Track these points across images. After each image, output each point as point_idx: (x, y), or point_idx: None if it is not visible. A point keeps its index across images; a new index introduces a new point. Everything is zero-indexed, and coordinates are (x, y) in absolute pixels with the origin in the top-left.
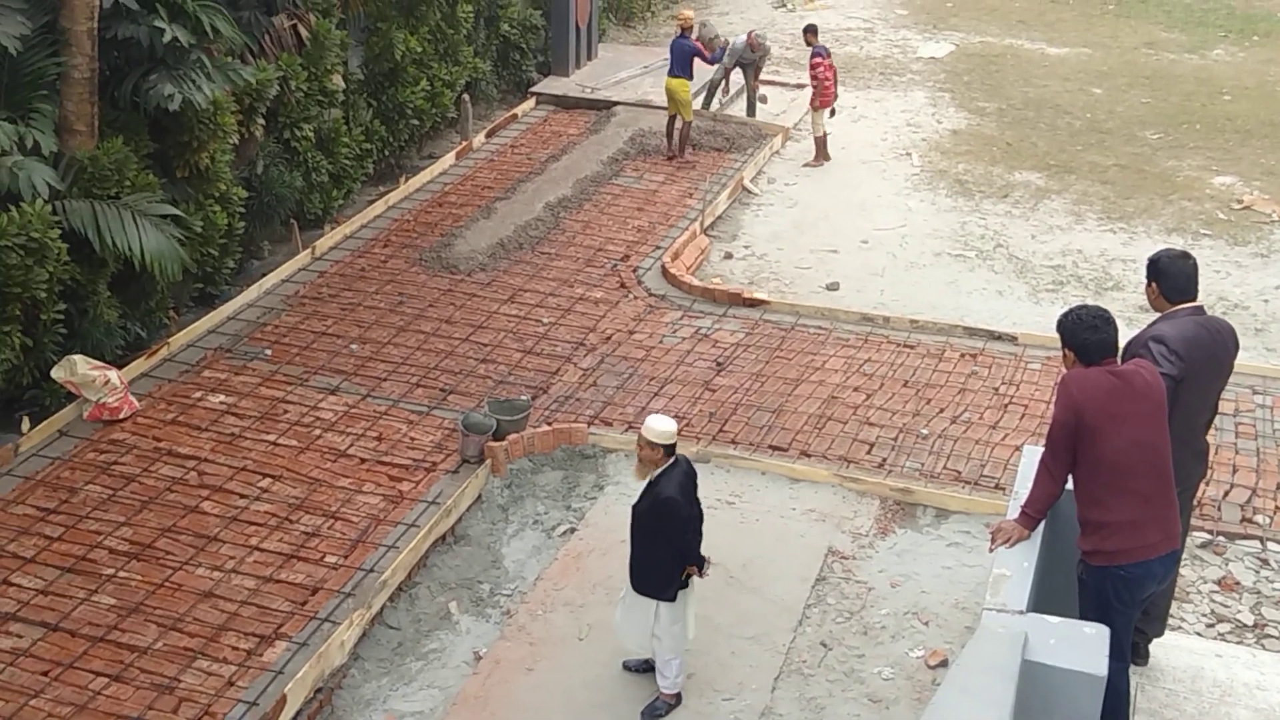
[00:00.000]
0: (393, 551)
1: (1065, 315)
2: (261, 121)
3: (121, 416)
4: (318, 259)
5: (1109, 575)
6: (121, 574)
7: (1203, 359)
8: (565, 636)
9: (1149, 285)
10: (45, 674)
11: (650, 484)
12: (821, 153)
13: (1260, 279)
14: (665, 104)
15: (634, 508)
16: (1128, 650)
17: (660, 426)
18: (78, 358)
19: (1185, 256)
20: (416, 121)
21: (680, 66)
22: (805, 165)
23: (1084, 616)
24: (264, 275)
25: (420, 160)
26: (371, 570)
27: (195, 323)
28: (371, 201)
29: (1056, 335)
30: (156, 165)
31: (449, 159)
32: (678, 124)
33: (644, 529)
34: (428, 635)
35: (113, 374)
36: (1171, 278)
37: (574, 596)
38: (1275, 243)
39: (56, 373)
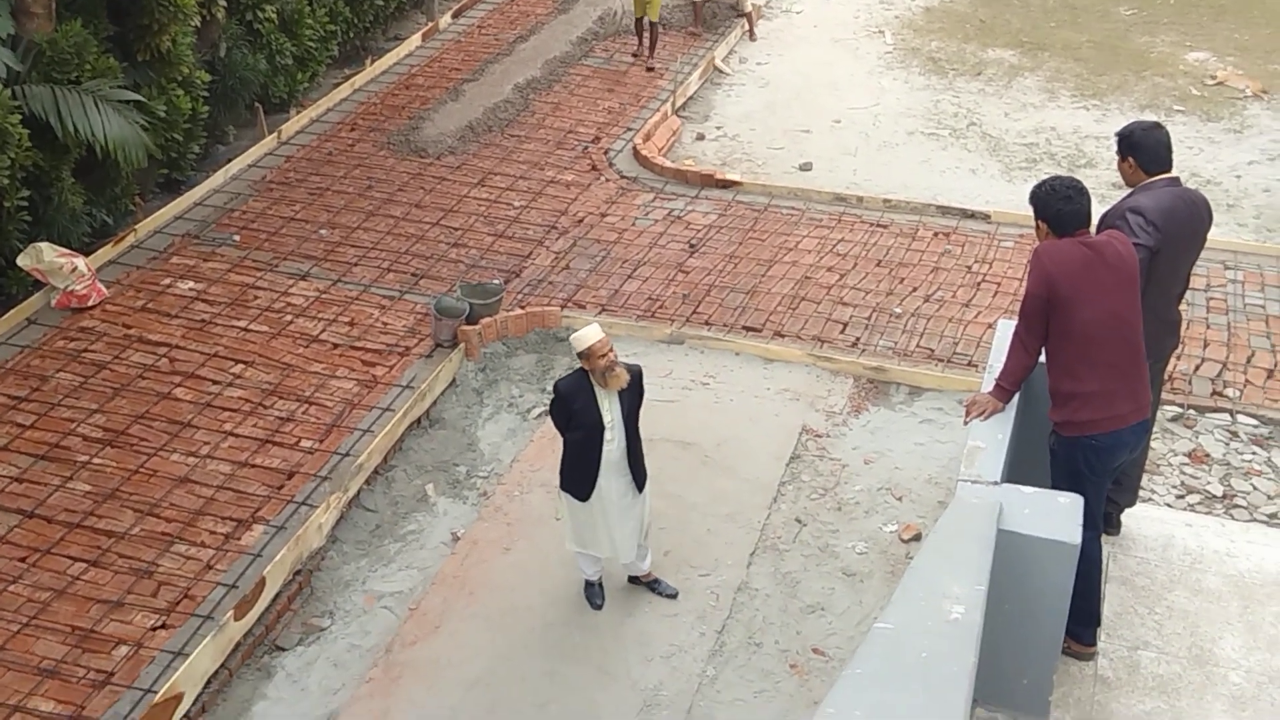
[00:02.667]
0: (368, 435)
1: (1038, 186)
2: (223, 3)
3: (90, 304)
4: (284, 143)
5: (1080, 445)
6: (96, 461)
7: (1179, 230)
8: (542, 516)
9: (1124, 160)
10: (23, 560)
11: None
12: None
13: (1233, 154)
14: None
15: (625, 417)
16: (1099, 519)
17: (594, 326)
18: (44, 245)
19: (1157, 127)
20: (381, 2)
21: None
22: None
23: (1055, 487)
24: (230, 160)
25: (386, 42)
26: (347, 454)
27: (162, 209)
28: (337, 84)
29: (1029, 212)
30: (116, 49)
31: (415, 40)
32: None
33: (636, 418)
34: (405, 517)
35: (80, 261)
36: (1148, 149)
37: (549, 478)
38: (1248, 118)
39: (23, 260)
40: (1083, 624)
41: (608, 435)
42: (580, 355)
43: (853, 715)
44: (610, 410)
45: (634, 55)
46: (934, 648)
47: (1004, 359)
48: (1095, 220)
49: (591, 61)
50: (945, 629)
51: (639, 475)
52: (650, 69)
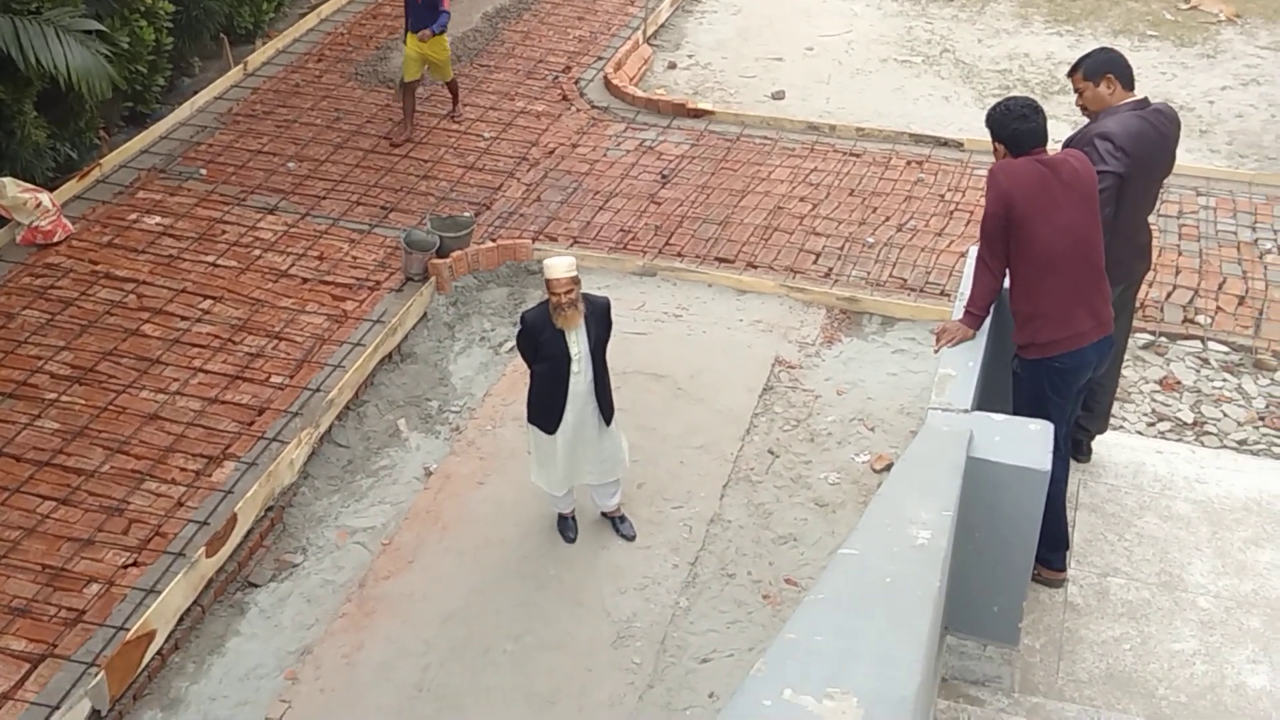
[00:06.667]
0: (339, 371)
1: (994, 107)
2: None
3: (55, 240)
4: (250, 75)
5: (1043, 367)
6: (64, 398)
7: (1149, 154)
8: (515, 451)
9: (1098, 83)
10: None
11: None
12: None
13: (1206, 80)
14: None
15: (592, 349)
16: (1066, 442)
17: (567, 260)
18: (7, 180)
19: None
20: None
21: (429, 14)
22: None
23: (1018, 410)
24: (196, 93)
25: None
26: (318, 390)
27: (127, 143)
28: (303, 14)
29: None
30: None
31: None
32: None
33: (603, 351)
34: (377, 453)
35: (44, 196)
36: (1122, 65)
37: (522, 411)
38: (1221, 43)
39: None
40: (1051, 548)
41: (574, 368)
42: (546, 283)
43: (815, 640)
44: (577, 342)
45: (388, 138)
46: (899, 572)
47: (970, 284)
48: (1060, 147)
49: None
50: (911, 554)
51: (606, 408)
52: (456, 118)
